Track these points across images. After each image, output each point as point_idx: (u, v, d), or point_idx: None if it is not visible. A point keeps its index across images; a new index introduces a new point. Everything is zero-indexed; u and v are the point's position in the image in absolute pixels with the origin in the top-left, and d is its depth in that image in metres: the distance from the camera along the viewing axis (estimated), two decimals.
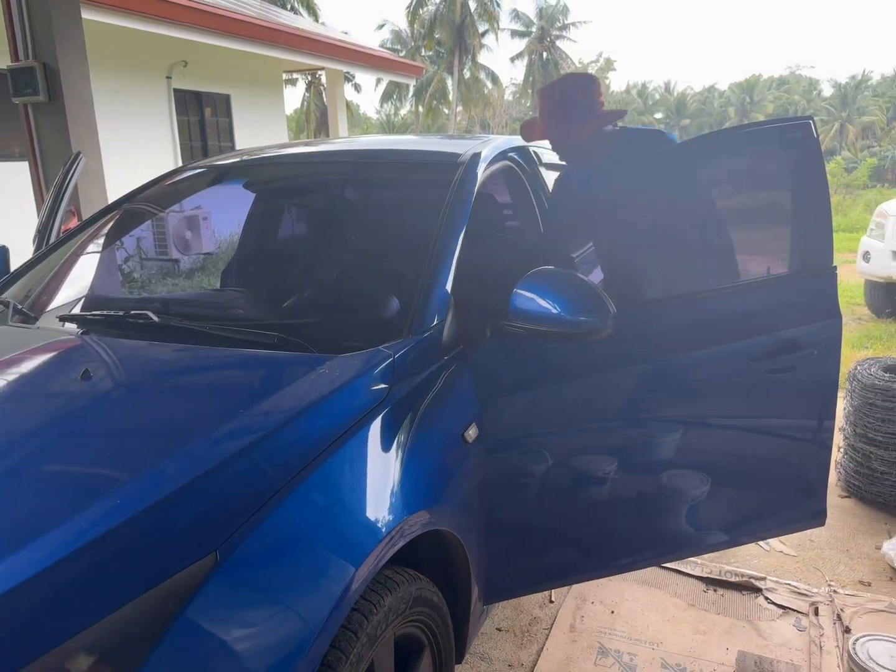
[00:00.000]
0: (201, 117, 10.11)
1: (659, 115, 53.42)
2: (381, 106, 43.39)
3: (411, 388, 1.49)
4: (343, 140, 2.80)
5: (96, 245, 2.40)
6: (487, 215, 2.50)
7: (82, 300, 2.13)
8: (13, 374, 1.54)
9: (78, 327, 1.78)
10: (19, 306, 1.92)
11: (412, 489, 1.37)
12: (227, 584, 1.00)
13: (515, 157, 2.39)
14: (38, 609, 0.90)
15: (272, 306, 1.93)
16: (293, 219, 2.49)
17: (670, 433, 1.90)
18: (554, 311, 1.58)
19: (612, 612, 2.20)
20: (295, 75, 31.12)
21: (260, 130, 11.03)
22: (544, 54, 39.87)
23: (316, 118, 33.50)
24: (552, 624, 2.15)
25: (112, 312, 1.81)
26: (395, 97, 40.60)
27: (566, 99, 2.30)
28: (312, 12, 28.89)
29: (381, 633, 1.26)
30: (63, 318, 1.85)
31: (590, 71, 48.71)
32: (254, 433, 1.20)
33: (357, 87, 39.43)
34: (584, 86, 2.33)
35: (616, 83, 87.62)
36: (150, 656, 0.91)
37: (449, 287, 1.70)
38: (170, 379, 1.49)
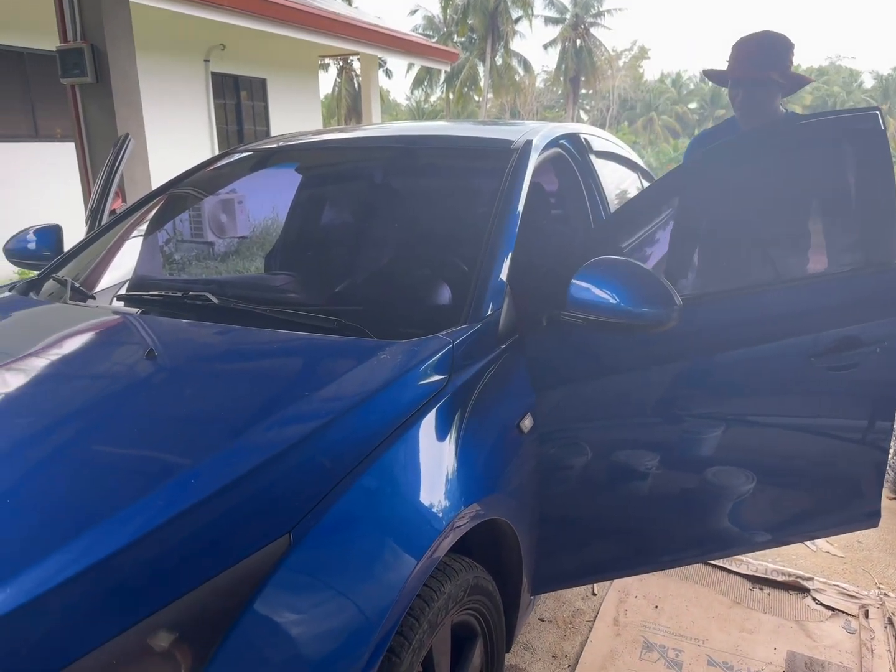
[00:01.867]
0: (237, 101, 10.17)
1: (693, 105, 52.53)
2: (412, 92, 43.24)
3: (469, 376, 1.48)
4: (390, 125, 2.78)
5: (147, 227, 2.42)
6: (537, 204, 2.47)
7: (135, 280, 2.16)
8: (75, 352, 1.56)
9: (135, 306, 1.80)
10: (76, 284, 1.94)
11: (470, 478, 1.36)
12: (301, 567, 1.01)
13: (567, 144, 2.36)
14: (120, 585, 0.91)
15: (328, 291, 1.93)
16: (344, 205, 2.48)
17: (717, 430, 1.87)
18: (613, 301, 1.55)
19: (656, 606, 2.18)
20: (327, 60, 31.13)
21: (295, 115, 11.06)
22: (578, 42, 39.36)
23: (347, 104, 33.52)
24: (595, 616, 2.14)
25: (170, 293, 1.82)
26: (426, 84, 40.42)
27: (767, 45, 2.30)
28: None
29: (441, 620, 1.26)
30: (119, 298, 1.88)
31: (623, 60, 48.03)
32: (323, 416, 1.20)
33: (388, 73, 39.29)
34: (785, 42, 2.32)
35: (650, 72, 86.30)
36: (228, 635, 0.91)
37: (505, 275, 1.68)
38: (234, 360, 1.49)
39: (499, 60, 36.84)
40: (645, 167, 3.38)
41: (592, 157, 2.54)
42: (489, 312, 1.60)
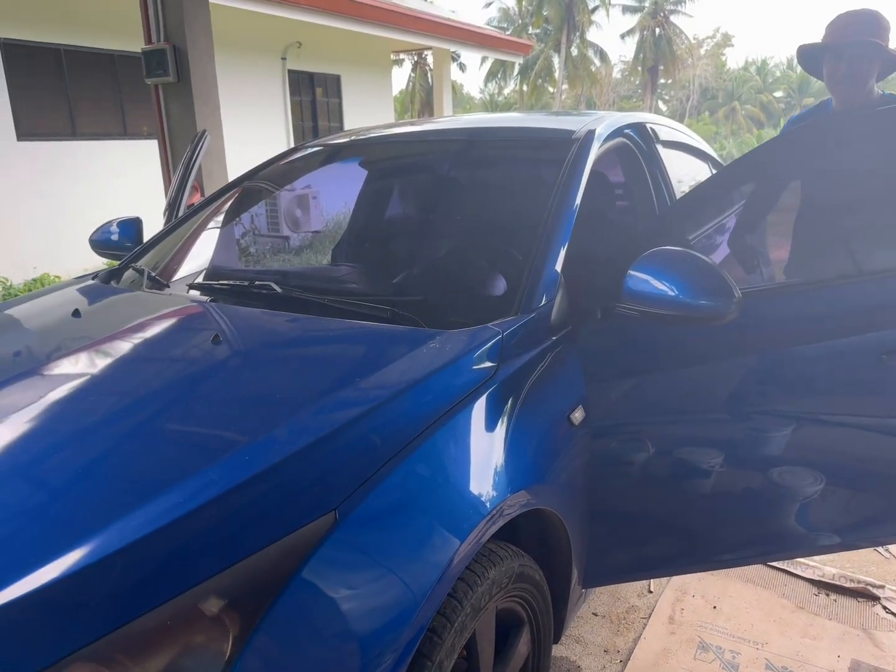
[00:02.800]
0: (313, 97, 10.41)
1: (779, 94, 50.26)
2: (485, 85, 43.13)
3: (519, 366, 1.49)
4: (456, 118, 2.80)
5: (220, 220, 2.53)
6: (600, 194, 2.44)
7: (207, 270, 2.26)
8: (151, 336, 1.65)
9: (205, 295, 1.89)
10: (153, 274, 2.06)
11: (518, 466, 1.37)
12: (345, 543, 1.04)
13: (632, 133, 2.32)
14: (173, 552, 0.97)
15: (385, 282, 1.97)
16: (405, 197, 2.53)
17: (784, 428, 1.81)
18: (671, 293, 1.52)
19: (714, 607, 2.13)
20: (401, 55, 31.43)
21: (368, 110, 11.24)
22: (657, 30, 38.29)
23: (421, 98, 33.76)
24: (650, 614, 2.11)
25: (237, 282, 1.90)
26: (499, 76, 40.23)
27: (868, 18, 2.19)
28: None
29: (485, 605, 1.28)
30: (192, 286, 1.97)
31: (705, 47, 46.39)
32: (371, 401, 1.24)
33: (462, 67, 39.34)
34: (885, 19, 2.23)
35: (733, 60, 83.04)
36: (274, 604, 0.96)
37: (559, 267, 1.68)
38: (293, 347, 1.55)
39: (574, 51, 36.28)
40: (717, 157, 3.29)
41: (659, 147, 2.49)
42: (542, 303, 1.60)
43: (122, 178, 7.47)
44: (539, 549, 1.56)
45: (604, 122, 2.17)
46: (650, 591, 2.22)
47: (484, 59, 37.67)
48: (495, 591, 1.30)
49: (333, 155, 2.61)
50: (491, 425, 1.36)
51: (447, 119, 2.76)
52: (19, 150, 6.69)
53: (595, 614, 2.12)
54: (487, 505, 1.25)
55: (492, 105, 46.89)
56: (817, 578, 2.25)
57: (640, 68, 39.55)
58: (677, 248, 1.59)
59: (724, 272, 1.52)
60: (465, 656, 1.33)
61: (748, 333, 1.72)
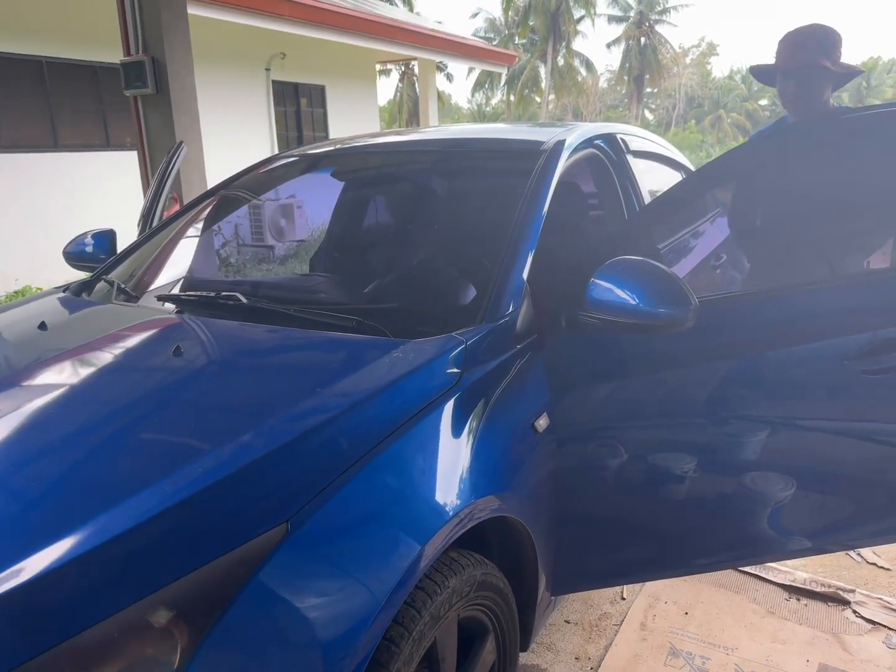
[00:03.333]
0: (297, 108, 10.44)
1: (764, 102, 50.79)
2: (473, 95, 43.36)
3: (483, 375, 1.50)
4: (430, 129, 2.82)
5: (194, 230, 2.53)
6: (570, 204, 2.46)
7: (180, 281, 2.26)
8: (113, 348, 1.65)
9: (174, 306, 1.89)
10: (122, 286, 2.06)
11: (480, 474, 1.38)
12: (297, 554, 1.05)
13: (602, 144, 2.35)
14: (123, 564, 0.97)
15: (354, 292, 1.98)
16: (378, 207, 2.54)
17: (755, 433, 1.83)
18: (632, 302, 1.54)
19: (686, 613, 2.14)
20: (389, 66, 31.53)
21: (353, 121, 11.27)
22: (642, 39, 38.65)
23: (409, 108, 33.87)
24: (622, 620, 2.12)
25: (204, 293, 1.91)
26: (486, 86, 40.47)
27: (817, 36, 2.26)
28: (407, 2, 29.17)
29: (445, 614, 1.28)
30: (161, 298, 1.97)
31: (690, 56, 46.86)
32: (329, 411, 1.25)
33: (449, 77, 39.49)
34: (834, 33, 2.28)
35: (718, 68, 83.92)
36: (223, 616, 0.96)
37: (525, 276, 1.69)
38: (253, 357, 1.56)
39: (560, 61, 36.55)
40: (691, 167, 3.32)
41: (629, 158, 2.52)
42: (508, 312, 1.62)
43: (105, 190, 7.45)
44: (505, 558, 1.56)
45: (573, 133, 2.20)
46: (623, 598, 2.23)
47: (471, 70, 37.88)
48: (456, 599, 1.31)
49: (309, 165, 2.62)
50: (454, 433, 1.37)
51: (421, 130, 2.78)
52: (1, 162, 6.67)
53: (567, 622, 2.13)
54: (449, 512, 1.26)
55: (480, 115, 47.12)
56: (788, 583, 2.27)
57: (626, 77, 39.88)
58: (637, 258, 1.61)
59: (682, 281, 1.54)
60: (427, 665, 1.33)
61: (715, 339, 1.74)
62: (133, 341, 1.68)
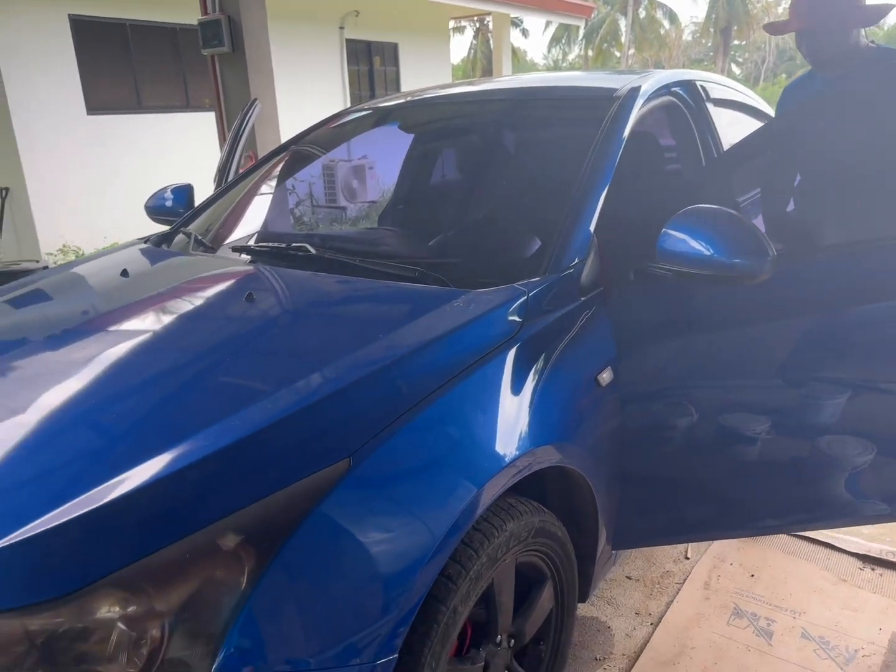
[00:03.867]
0: (370, 67, 10.41)
1: None
2: (549, 51, 42.13)
3: (545, 326, 1.48)
4: (499, 79, 2.77)
5: (267, 185, 2.59)
6: (644, 156, 2.38)
7: (254, 234, 2.33)
8: (191, 294, 1.72)
9: (248, 257, 1.95)
10: (199, 237, 2.13)
11: (539, 423, 1.38)
12: (358, 488, 1.08)
13: (680, 91, 2.24)
14: (197, 489, 1.03)
15: (420, 244, 1.98)
16: (446, 159, 2.52)
17: (833, 395, 1.75)
18: (706, 252, 1.49)
19: (752, 575, 2.10)
20: (463, 23, 30.96)
21: (425, 79, 11.16)
22: None
23: (482, 66, 33.28)
24: (685, 579, 2.10)
25: (276, 245, 1.95)
26: (563, 41, 39.23)
27: None
28: None
29: (502, 556, 1.30)
30: (235, 249, 2.04)
31: (783, 6, 43.91)
32: (391, 356, 1.27)
33: (525, 33, 38.50)
34: None
35: None
36: (287, 543, 1.01)
37: (592, 227, 1.65)
38: (321, 305, 1.59)
39: (642, 13, 34.98)
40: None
41: (710, 106, 2.41)
42: (572, 263, 1.59)
43: (186, 149, 7.68)
44: (565, 509, 1.57)
45: (649, 80, 2.11)
46: (687, 558, 2.21)
47: (548, 24, 36.75)
48: (513, 543, 1.32)
49: (378, 119, 2.62)
50: (513, 382, 1.37)
51: (491, 80, 2.73)
52: (89, 124, 6.96)
53: (628, 577, 2.12)
54: (506, 458, 1.27)
55: (556, 70, 45.82)
56: (863, 553, 2.19)
57: (712, 30, 37.81)
58: (712, 206, 1.55)
59: (760, 231, 1.47)
60: (484, 606, 1.36)
61: (794, 294, 1.67)
62: (209, 288, 1.74)
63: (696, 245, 1.51)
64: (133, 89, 7.35)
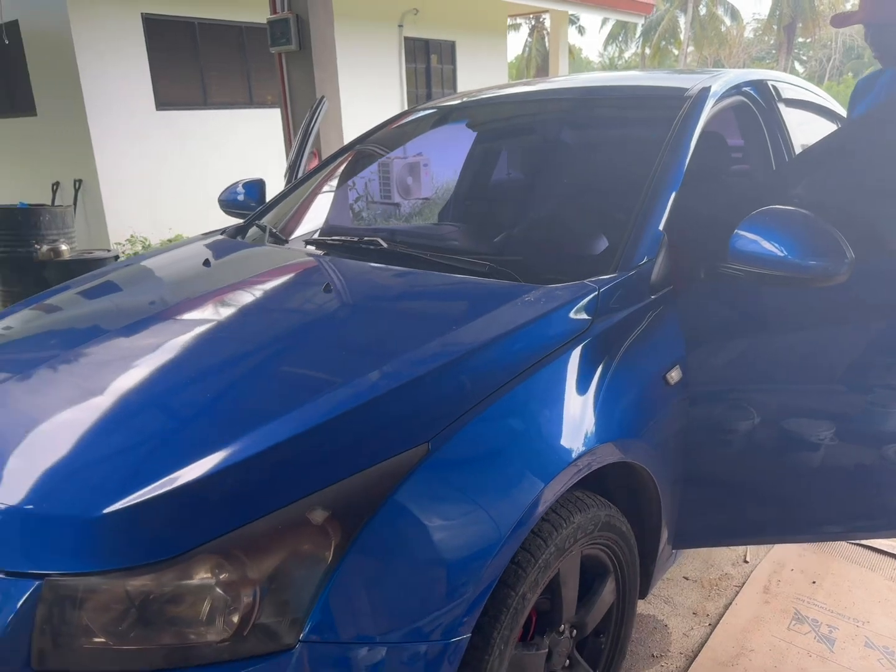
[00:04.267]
0: (427, 64, 10.48)
1: None
2: (605, 48, 41.61)
3: (615, 322, 1.50)
4: (565, 77, 2.78)
5: (334, 182, 2.66)
6: (712, 156, 2.36)
7: (322, 228, 2.40)
8: (272, 283, 1.80)
9: (320, 249, 2.01)
10: (274, 230, 2.21)
11: (608, 419, 1.40)
12: (435, 472, 1.13)
13: (751, 91, 2.22)
14: (289, 466, 1.09)
15: (487, 240, 2.02)
16: (513, 157, 2.55)
17: None
18: (779, 253, 1.49)
19: (814, 582, 2.08)
20: (518, 20, 30.82)
21: (482, 77, 11.18)
22: None
23: (537, 63, 33.09)
24: (744, 582, 2.08)
25: (348, 238, 2.02)
26: (620, 39, 38.69)
27: None
28: None
29: (569, 547, 1.33)
30: (308, 242, 2.11)
31: (851, 2, 42.37)
32: (468, 346, 1.31)
33: (581, 30, 38.07)
34: None
35: None
36: (371, 520, 1.06)
37: (662, 226, 1.66)
38: (397, 296, 1.65)
39: (702, 10, 34.22)
40: None
41: (781, 107, 2.37)
42: (642, 262, 1.60)
43: (248, 145, 7.88)
44: (629, 506, 1.58)
45: (720, 80, 2.10)
46: (746, 561, 2.19)
47: (604, 22, 36.31)
48: (580, 535, 1.35)
49: (443, 118, 2.67)
50: (583, 377, 1.39)
51: (556, 78, 2.74)
52: (158, 119, 7.21)
53: (686, 578, 2.12)
54: (574, 452, 1.29)
55: (612, 69, 45.20)
56: None
57: (775, 27, 36.74)
58: (786, 208, 1.54)
59: (837, 232, 1.46)
60: (548, 601, 1.39)
61: (863, 297, 1.65)
62: (288, 279, 1.81)
63: (770, 246, 1.51)
64: (200, 86, 7.58)
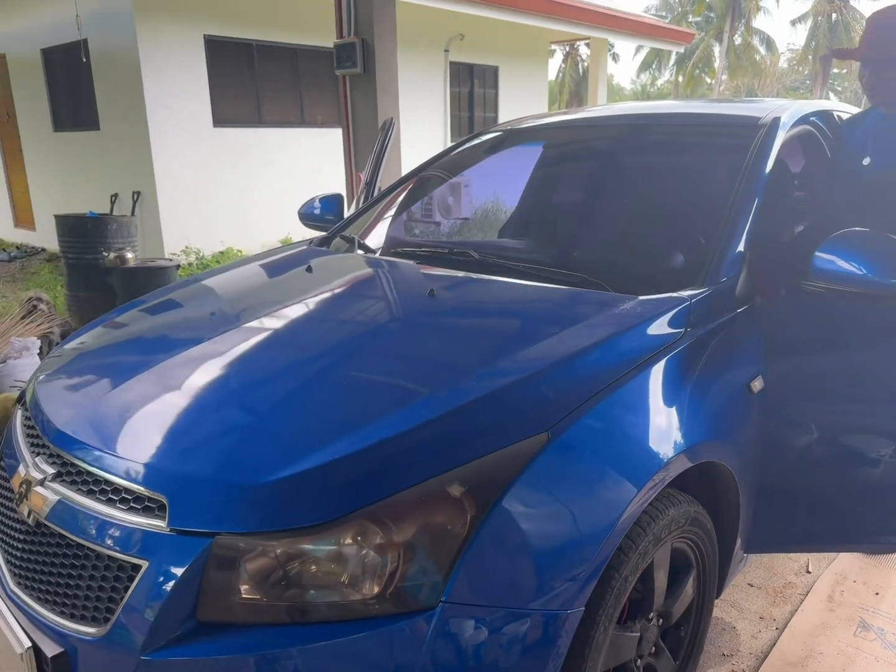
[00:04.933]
0: (471, 88, 10.71)
1: None
2: (638, 76, 41.87)
3: (703, 333, 1.61)
4: (636, 104, 2.90)
5: (409, 199, 2.81)
6: (780, 179, 2.47)
7: (404, 240, 2.55)
8: (380, 287, 1.97)
9: (409, 259, 2.15)
10: (362, 241, 2.36)
11: (699, 421, 1.51)
12: (556, 457, 1.24)
13: (817, 121, 2.34)
14: (431, 444, 1.22)
15: (577, 254, 2.15)
16: (598, 178, 2.61)
17: None
18: (860, 272, 1.59)
19: (877, 593, 2.14)
20: (553, 46, 31.19)
21: (522, 101, 11.38)
22: (833, 15, 35.35)
23: (570, 89, 33.39)
24: (808, 591, 2.16)
25: (440, 249, 2.16)
26: (654, 66, 38.92)
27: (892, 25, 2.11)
28: None
29: (664, 538, 1.44)
30: (397, 253, 2.25)
31: None
32: (576, 347, 1.43)
33: (615, 57, 38.44)
34: None
35: None
36: (502, 497, 1.18)
37: (743, 246, 1.77)
38: (504, 302, 1.77)
39: (738, 39, 34.35)
40: None
41: None
42: (727, 277, 1.71)
43: (298, 162, 8.13)
44: (710, 507, 1.68)
45: (788, 110, 2.21)
46: (808, 572, 2.26)
47: (638, 49, 36.60)
48: (673, 527, 1.46)
49: (522, 139, 2.80)
50: (675, 382, 1.51)
51: (626, 105, 2.87)
52: (214, 136, 7.48)
53: (751, 585, 2.20)
54: (673, 448, 1.40)
55: (643, 96, 45.41)
56: None
57: (810, 57, 36.73)
58: (866, 230, 1.65)
59: None
60: (639, 589, 1.49)
61: None
62: (391, 284, 1.96)
63: (850, 266, 1.61)
64: (255, 105, 7.86)
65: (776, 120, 2.11)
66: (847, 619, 2.03)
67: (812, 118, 2.34)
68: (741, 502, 1.69)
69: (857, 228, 1.66)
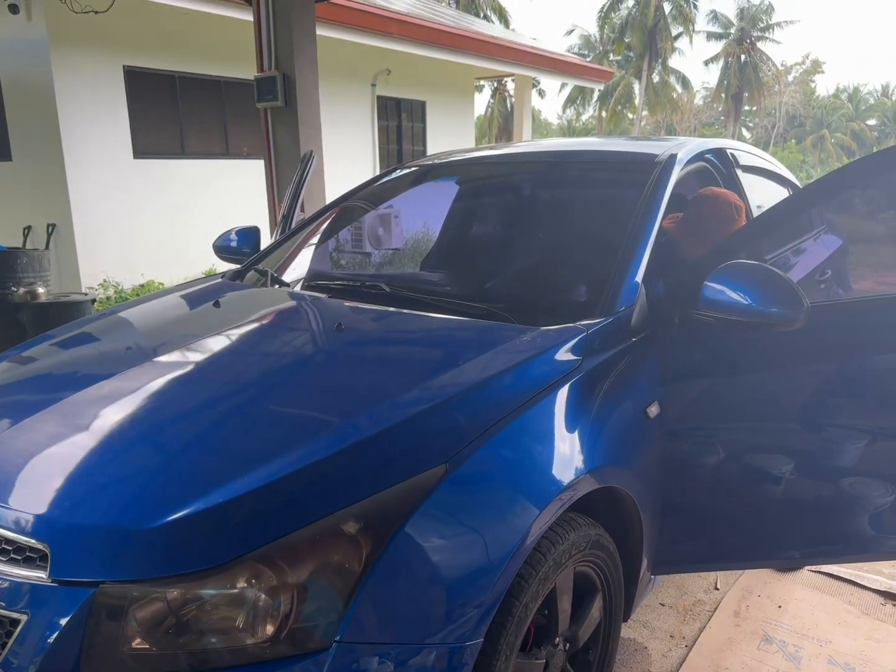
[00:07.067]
0: (399, 122, 10.87)
1: (872, 122, 48.33)
2: (564, 111, 43.34)
3: (601, 361, 1.67)
4: (545, 142, 3.02)
5: (326, 232, 2.82)
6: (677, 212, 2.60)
7: (318, 273, 2.55)
8: (286, 322, 1.95)
9: (321, 292, 2.15)
10: (275, 275, 2.35)
11: (597, 448, 1.56)
12: (453, 490, 1.26)
13: (712, 158, 2.48)
14: (324, 482, 1.21)
15: (480, 286, 2.19)
16: (498, 213, 2.73)
17: (856, 441, 1.91)
18: (744, 301, 1.69)
19: (780, 606, 2.23)
20: (481, 82, 32.01)
21: (450, 135, 11.62)
22: (742, 57, 37.66)
23: (499, 124, 34.21)
24: (716, 607, 2.23)
25: (352, 282, 2.17)
26: (578, 102, 40.40)
27: (701, 217, 2.38)
28: (503, 19, 29.60)
29: (564, 562, 1.46)
30: (310, 286, 2.25)
31: (793, 74, 45.17)
32: (474, 379, 1.46)
33: (541, 93, 39.68)
34: (718, 209, 2.38)
35: (823, 87, 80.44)
36: (396, 534, 1.18)
37: (639, 277, 1.86)
38: (406, 335, 1.79)
39: (656, 78, 36.10)
40: (798, 184, 3.38)
41: (739, 172, 2.64)
42: (623, 307, 1.79)
43: (223, 194, 8.03)
44: (613, 531, 1.72)
45: (685, 147, 2.34)
46: (716, 588, 2.34)
47: (563, 86, 37.93)
48: (574, 551, 1.49)
49: (433, 174, 2.87)
50: (573, 409, 1.55)
51: (534, 143, 2.98)
52: (135, 167, 7.32)
53: (662, 604, 2.26)
54: (570, 475, 1.44)
55: (569, 131, 47.00)
56: (885, 590, 2.31)
57: (723, 95, 38.92)
58: (750, 262, 1.75)
59: (794, 283, 1.67)
60: (544, 615, 1.52)
61: (821, 343, 1.85)
62: (300, 316, 1.96)
63: (736, 296, 1.71)
64: (178, 136, 7.75)
65: (672, 157, 2.22)
66: (751, 633, 2.10)
67: (707, 155, 2.48)
68: (643, 525, 1.74)
69: (742, 260, 1.76)
